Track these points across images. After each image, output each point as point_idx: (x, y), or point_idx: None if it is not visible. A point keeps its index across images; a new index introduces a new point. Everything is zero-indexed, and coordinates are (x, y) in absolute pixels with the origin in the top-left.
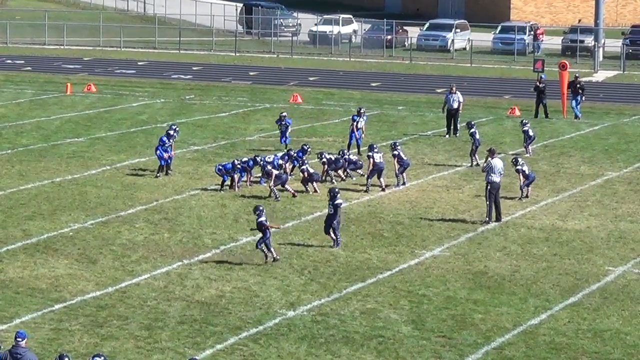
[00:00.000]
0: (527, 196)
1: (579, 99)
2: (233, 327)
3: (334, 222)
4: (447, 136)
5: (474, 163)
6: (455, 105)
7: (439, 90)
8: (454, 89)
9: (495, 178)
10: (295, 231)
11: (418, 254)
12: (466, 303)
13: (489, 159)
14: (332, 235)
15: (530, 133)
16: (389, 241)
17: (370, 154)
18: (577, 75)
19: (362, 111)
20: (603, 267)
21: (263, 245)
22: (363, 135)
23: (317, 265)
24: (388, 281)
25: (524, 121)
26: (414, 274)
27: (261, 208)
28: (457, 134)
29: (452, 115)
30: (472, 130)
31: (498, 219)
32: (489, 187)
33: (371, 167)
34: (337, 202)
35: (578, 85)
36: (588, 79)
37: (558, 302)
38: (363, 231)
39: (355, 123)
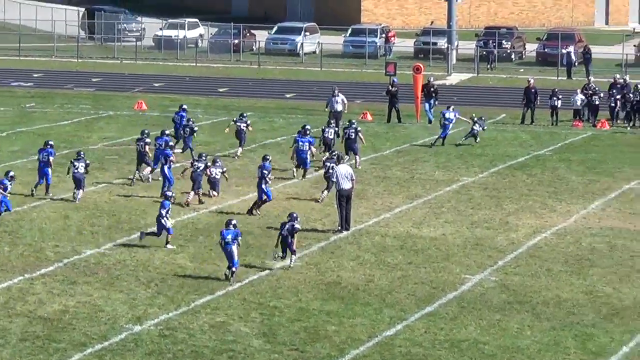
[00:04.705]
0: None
1: (432, 102)
2: (77, 343)
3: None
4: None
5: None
6: (339, 108)
7: (288, 95)
8: (336, 91)
9: (344, 185)
10: (142, 242)
11: (268, 265)
12: (319, 314)
13: (336, 165)
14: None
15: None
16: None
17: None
18: (430, 78)
19: (245, 117)
20: (460, 275)
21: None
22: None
23: (164, 277)
24: (238, 293)
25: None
26: (264, 285)
27: (295, 215)
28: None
29: (335, 117)
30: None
31: (346, 227)
32: (338, 195)
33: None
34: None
35: (432, 89)
36: (441, 82)
37: (414, 312)
38: (212, 242)
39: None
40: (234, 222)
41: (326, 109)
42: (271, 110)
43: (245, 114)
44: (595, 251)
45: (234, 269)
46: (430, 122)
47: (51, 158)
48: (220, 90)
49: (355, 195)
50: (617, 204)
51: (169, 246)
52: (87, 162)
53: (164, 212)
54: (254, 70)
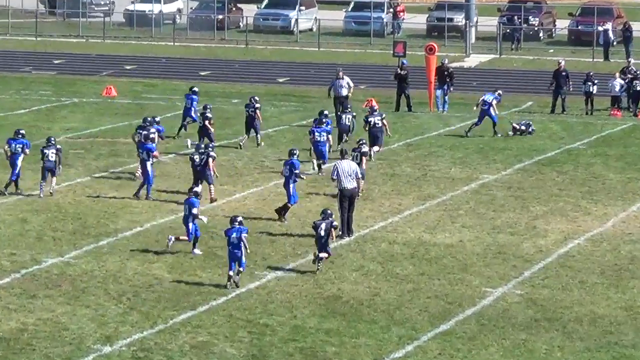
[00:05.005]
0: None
1: (447, 88)
2: None
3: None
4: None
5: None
6: (344, 93)
7: (280, 80)
8: (341, 73)
9: (347, 184)
10: (112, 250)
11: (258, 276)
12: (317, 333)
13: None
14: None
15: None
16: (223, 261)
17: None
18: (444, 60)
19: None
20: (479, 289)
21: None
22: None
23: (137, 290)
24: (223, 309)
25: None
26: (254, 299)
27: (329, 212)
28: None
29: (340, 103)
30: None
31: (347, 233)
32: (340, 195)
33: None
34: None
35: (446, 73)
36: (458, 65)
37: (427, 331)
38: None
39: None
40: (239, 218)
41: (330, 95)
42: (261, 97)
43: (254, 97)
44: (636, 260)
45: (240, 269)
46: (443, 110)
47: (27, 150)
48: (202, 73)
49: (363, 196)
50: None
51: (195, 251)
52: (59, 147)
53: (195, 211)
54: (240, 51)
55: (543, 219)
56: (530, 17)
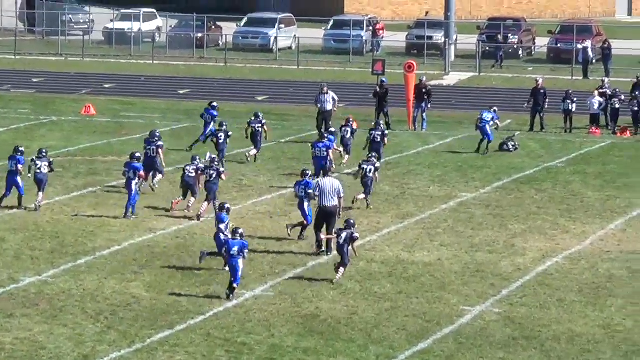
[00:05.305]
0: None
1: (425, 106)
2: None
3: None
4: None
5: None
6: (329, 107)
7: (259, 98)
8: (325, 88)
9: (327, 202)
10: (90, 269)
11: (237, 295)
12: (294, 352)
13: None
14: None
15: None
16: (201, 280)
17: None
18: (421, 77)
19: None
20: (457, 307)
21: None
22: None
23: (115, 309)
24: (201, 327)
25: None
26: (231, 318)
27: (352, 221)
28: None
29: (324, 118)
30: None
31: (322, 250)
32: (318, 212)
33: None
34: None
35: (424, 90)
36: (438, 83)
37: (404, 349)
38: (171, 268)
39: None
40: (240, 231)
41: (318, 107)
42: (240, 114)
43: (259, 113)
44: (614, 279)
45: (235, 285)
46: (422, 128)
47: (20, 166)
48: (181, 91)
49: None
50: None
51: (227, 268)
52: (51, 159)
53: (222, 227)
54: (220, 69)
55: (521, 237)
56: (509, 35)
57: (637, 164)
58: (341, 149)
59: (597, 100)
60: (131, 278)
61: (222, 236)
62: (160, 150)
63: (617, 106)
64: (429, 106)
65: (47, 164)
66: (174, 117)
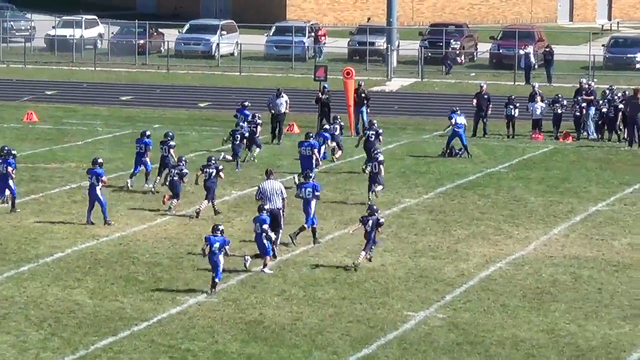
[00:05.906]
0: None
1: (364, 110)
2: None
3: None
4: (273, 142)
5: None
6: (282, 110)
7: (202, 105)
8: (281, 91)
9: (270, 204)
10: (32, 276)
11: (180, 301)
12: (239, 358)
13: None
14: None
15: None
16: (145, 286)
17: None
18: (360, 82)
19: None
20: (401, 312)
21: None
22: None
23: (58, 316)
24: (145, 334)
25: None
26: (175, 324)
27: (375, 207)
28: (281, 142)
29: (278, 121)
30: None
31: (260, 256)
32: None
33: None
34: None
35: (363, 95)
36: (380, 89)
37: (348, 355)
38: (114, 274)
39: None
40: (221, 227)
41: (272, 111)
42: (182, 121)
43: (257, 114)
44: (557, 283)
45: (217, 280)
46: (357, 133)
47: (10, 168)
48: (123, 98)
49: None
50: (583, 229)
51: (266, 270)
52: (14, 160)
53: (265, 227)
54: (162, 75)
55: (465, 242)
56: (451, 41)
57: (579, 169)
58: (334, 144)
59: (539, 105)
60: (74, 285)
61: (263, 239)
62: (171, 150)
63: (559, 111)
64: (368, 110)
65: (7, 165)
66: (116, 124)
